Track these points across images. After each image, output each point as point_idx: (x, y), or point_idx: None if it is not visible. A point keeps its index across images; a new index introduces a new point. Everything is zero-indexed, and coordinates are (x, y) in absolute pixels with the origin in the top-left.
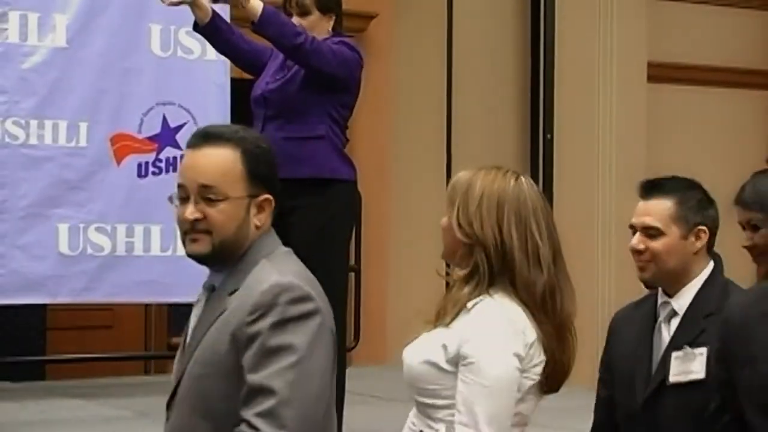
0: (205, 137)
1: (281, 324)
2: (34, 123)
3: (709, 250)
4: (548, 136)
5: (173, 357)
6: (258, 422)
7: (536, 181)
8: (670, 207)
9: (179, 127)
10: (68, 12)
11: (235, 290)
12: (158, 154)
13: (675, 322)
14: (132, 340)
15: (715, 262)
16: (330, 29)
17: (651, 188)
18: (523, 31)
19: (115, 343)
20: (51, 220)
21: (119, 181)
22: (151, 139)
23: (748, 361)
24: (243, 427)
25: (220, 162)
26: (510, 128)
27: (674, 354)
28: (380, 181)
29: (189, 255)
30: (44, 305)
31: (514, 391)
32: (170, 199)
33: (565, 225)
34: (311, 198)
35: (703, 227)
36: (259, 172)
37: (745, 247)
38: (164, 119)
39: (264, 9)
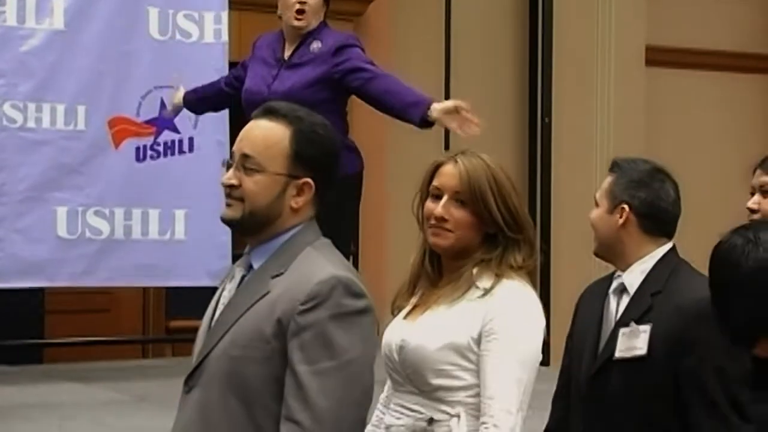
0: (266, 111)
1: (336, 318)
2: (32, 106)
3: (649, 231)
4: (546, 119)
5: (171, 341)
6: (289, 430)
7: (534, 164)
8: (608, 182)
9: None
10: None
11: (279, 274)
12: (156, 137)
13: (625, 299)
14: (130, 323)
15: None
16: (322, 15)
17: (610, 166)
18: (522, 14)
19: (113, 326)
20: (49, 204)
21: (117, 164)
22: (149, 122)
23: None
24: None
25: (267, 135)
26: (508, 112)
27: (622, 330)
28: (378, 165)
29: (221, 219)
30: (42, 289)
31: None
32: (223, 163)
33: (563, 208)
34: None
35: (625, 205)
36: (306, 155)
37: (749, 208)
38: (162, 103)
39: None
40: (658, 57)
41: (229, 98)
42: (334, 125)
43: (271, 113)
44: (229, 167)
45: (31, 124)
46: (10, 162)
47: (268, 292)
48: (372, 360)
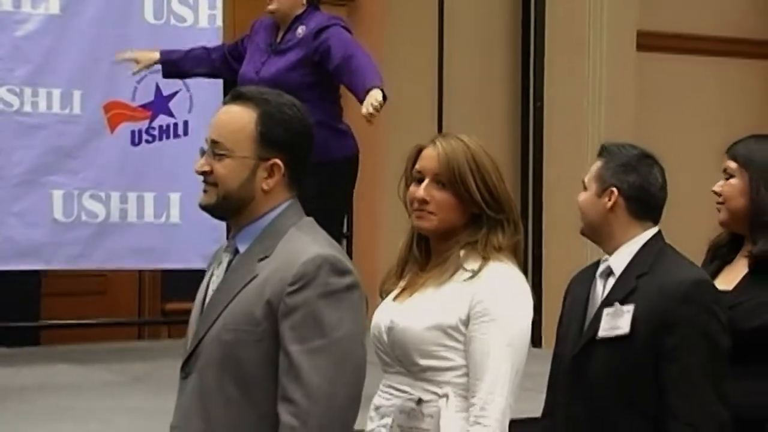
0: (234, 96)
1: (325, 296)
2: (28, 90)
3: (636, 215)
4: (538, 103)
5: (166, 323)
6: (286, 409)
7: (526, 148)
8: (597, 166)
9: (172, 95)
10: None
11: (266, 257)
12: (151, 122)
13: (611, 281)
14: (125, 306)
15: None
16: (304, 1)
17: (599, 151)
18: None
19: (108, 309)
20: (45, 188)
21: (113, 148)
22: (144, 107)
23: None
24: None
25: (234, 120)
26: (500, 95)
27: (606, 310)
28: (371, 148)
29: (198, 205)
30: (39, 271)
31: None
32: (201, 151)
33: (554, 191)
34: (311, 180)
35: (614, 189)
36: (273, 136)
37: (714, 191)
38: (157, 87)
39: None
40: (649, 42)
41: (225, 64)
42: (324, 109)
43: (239, 98)
44: (202, 155)
45: (27, 108)
46: (6, 146)
47: (256, 276)
48: (363, 335)
